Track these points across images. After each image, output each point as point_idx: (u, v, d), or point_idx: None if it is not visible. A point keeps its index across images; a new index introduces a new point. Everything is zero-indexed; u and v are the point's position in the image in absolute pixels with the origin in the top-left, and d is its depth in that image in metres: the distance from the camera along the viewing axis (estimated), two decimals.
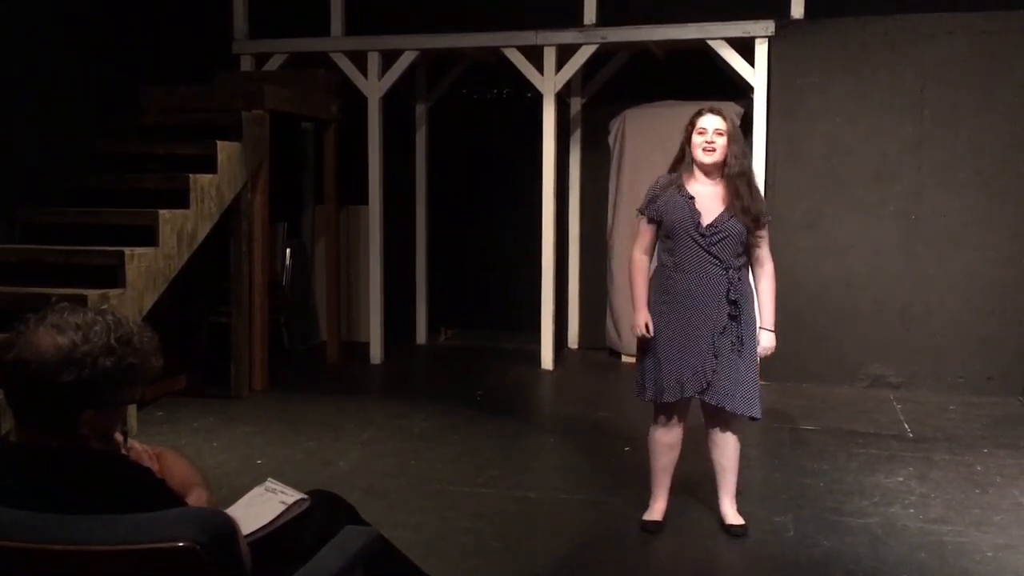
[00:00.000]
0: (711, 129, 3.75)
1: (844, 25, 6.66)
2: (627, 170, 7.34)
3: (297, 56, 7.47)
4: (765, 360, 3.95)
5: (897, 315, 6.61)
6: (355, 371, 7.27)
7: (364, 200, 7.53)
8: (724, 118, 3.77)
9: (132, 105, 6.59)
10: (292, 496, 2.31)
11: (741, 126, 6.48)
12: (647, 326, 3.81)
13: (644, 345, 3.85)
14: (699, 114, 3.80)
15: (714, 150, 3.74)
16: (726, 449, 3.93)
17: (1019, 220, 6.40)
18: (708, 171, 3.79)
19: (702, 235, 3.73)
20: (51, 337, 1.82)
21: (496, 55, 7.31)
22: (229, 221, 6.25)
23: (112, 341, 1.85)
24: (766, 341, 3.81)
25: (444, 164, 8.36)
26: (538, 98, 7.18)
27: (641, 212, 3.90)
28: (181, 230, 5.70)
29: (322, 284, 7.93)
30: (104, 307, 1.97)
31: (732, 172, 3.74)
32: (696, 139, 3.77)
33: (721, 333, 3.72)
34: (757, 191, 3.86)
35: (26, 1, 5.94)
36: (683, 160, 3.85)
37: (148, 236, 5.55)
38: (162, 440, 5.05)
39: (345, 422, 5.70)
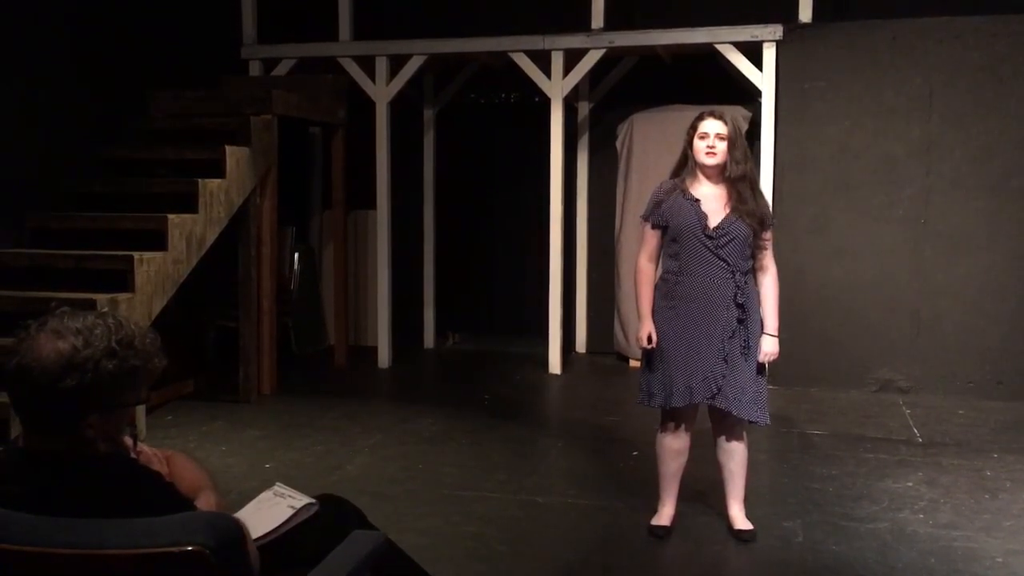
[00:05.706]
0: (712, 133, 3.74)
1: (852, 29, 6.65)
2: (635, 174, 7.34)
3: (306, 61, 7.49)
4: (768, 365, 3.93)
5: (906, 319, 6.59)
6: (363, 375, 7.28)
7: (372, 204, 7.54)
8: (725, 122, 3.76)
9: (141, 110, 6.62)
10: (300, 500, 2.32)
11: (749, 130, 6.54)
12: (650, 337, 3.80)
13: (650, 351, 3.84)
14: (700, 118, 3.79)
15: (715, 154, 3.73)
16: (734, 454, 3.91)
17: None
18: (711, 174, 3.78)
19: (709, 237, 3.71)
20: (52, 343, 1.83)
21: (504, 59, 7.32)
22: (238, 226, 6.26)
23: (114, 344, 1.86)
24: (769, 346, 3.78)
25: (452, 168, 8.37)
26: (546, 102, 7.18)
27: (645, 218, 3.87)
28: (190, 235, 5.72)
29: (330, 288, 7.94)
30: (105, 310, 1.98)
31: (733, 175, 3.73)
32: (698, 143, 3.76)
33: (731, 337, 3.71)
34: (761, 194, 3.85)
35: (34, 6, 5.97)
36: (685, 165, 3.84)
37: (157, 241, 5.56)
38: (170, 444, 5.06)
39: (353, 426, 5.70)
